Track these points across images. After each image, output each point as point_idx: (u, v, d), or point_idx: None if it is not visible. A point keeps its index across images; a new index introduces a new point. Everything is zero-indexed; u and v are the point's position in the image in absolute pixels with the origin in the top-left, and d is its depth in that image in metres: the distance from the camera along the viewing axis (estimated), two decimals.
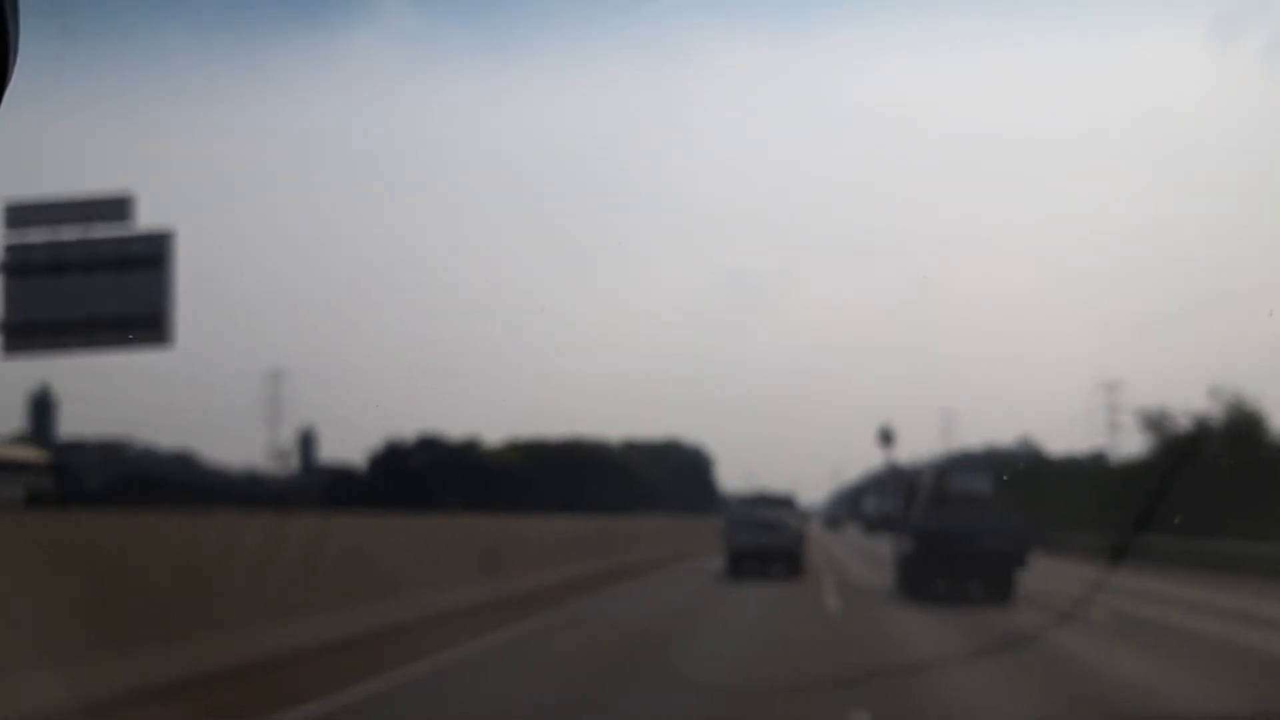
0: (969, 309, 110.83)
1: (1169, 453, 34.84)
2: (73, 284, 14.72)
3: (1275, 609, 17.59)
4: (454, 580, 14.11)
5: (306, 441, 70.62)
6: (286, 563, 9.78)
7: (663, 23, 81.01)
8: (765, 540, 23.20)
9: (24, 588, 6.69)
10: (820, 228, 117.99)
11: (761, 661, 10.94)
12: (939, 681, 9.39)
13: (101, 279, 14.76)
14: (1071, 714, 8.28)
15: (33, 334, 15.04)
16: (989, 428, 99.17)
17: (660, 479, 74.73)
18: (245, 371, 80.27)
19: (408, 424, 68.57)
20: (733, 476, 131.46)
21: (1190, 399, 38.16)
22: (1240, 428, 33.43)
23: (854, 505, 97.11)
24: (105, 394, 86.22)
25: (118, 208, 15.13)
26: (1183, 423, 36.32)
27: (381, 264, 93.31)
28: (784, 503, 25.00)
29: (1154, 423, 37.22)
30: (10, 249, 15.26)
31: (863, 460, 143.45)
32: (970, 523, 18.01)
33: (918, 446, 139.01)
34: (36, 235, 15.23)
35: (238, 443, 74.50)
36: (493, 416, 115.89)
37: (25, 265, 15.11)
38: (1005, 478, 25.43)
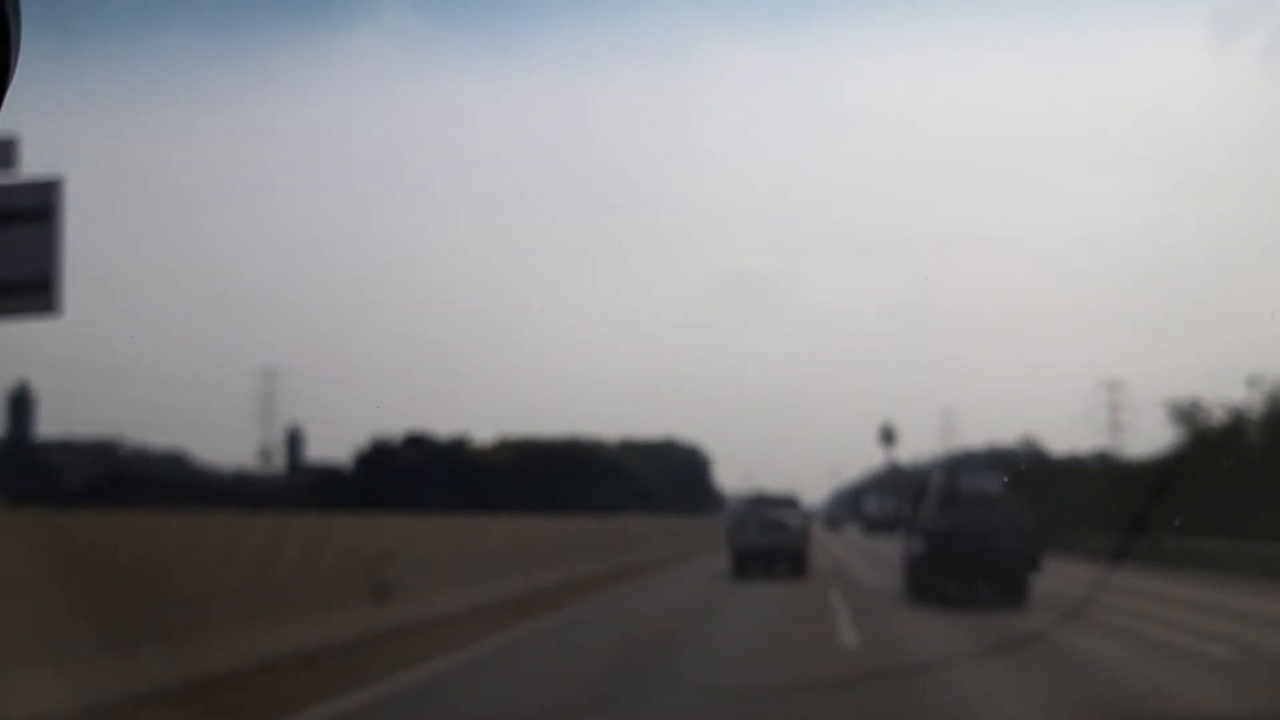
0: (969, 308, 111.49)
1: (1201, 446, 33.93)
2: None
3: None
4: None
5: (294, 440, 70.27)
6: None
7: (662, 23, 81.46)
8: (770, 540, 23.79)
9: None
10: (820, 227, 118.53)
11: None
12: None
13: None
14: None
15: None
16: (989, 427, 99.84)
17: (657, 479, 74.52)
18: (240, 370, 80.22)
19: (403, 423, 68.46)
20: (731, 476, 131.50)
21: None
22: None
23: (854, 505, 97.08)
24: (97, 393, 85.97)
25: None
26: (1218, 414, 35.18)
27: (378, 263, 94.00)
28: (788, 503, 25.52)
29: (1185, 414, 35.57)
30: None
31: (862, 460, 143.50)
32: (982, 523, 17.78)
33: (918, 446, 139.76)
34: None
35: (231, 442, 74.46)
36: (490, 416, 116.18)
37: None
38: (1005, 479, 25.10)
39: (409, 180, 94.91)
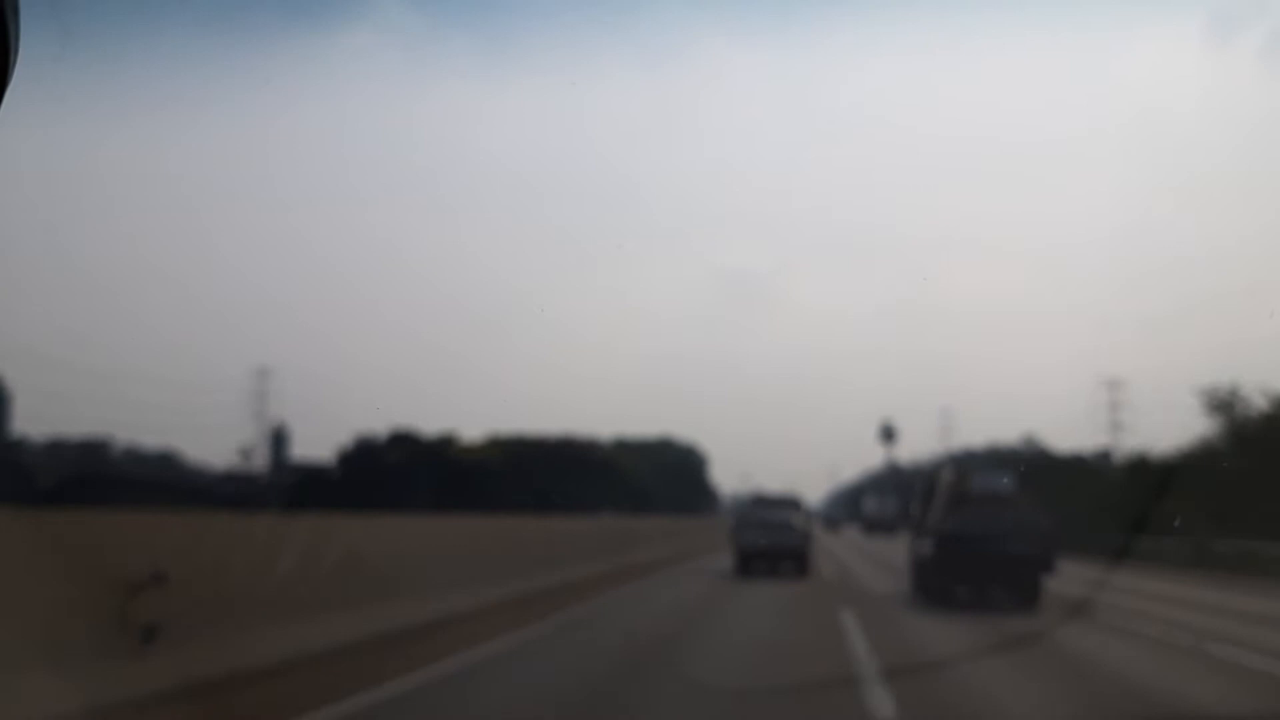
0: (966, 308, 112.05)
1: (1238, 438, 32.78)
2: None
3: None
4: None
5: (278, 439, 69.74)
6: None
7: (660, 23, 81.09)
8: (773, 540, 24.64)
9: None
10: (818, 227, 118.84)
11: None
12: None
13: None
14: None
15: None
16: (987, 427, 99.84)
17: (652, 478, 74.13)
18: (233, 368, 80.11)
19: (398, 422, 68.41)
20: (728, 476, 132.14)
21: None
22: None
23: (853, 506, 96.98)
24: (89, 392, 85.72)
25: None
26: (1259, 403, 33.76)
27: (372, 262, 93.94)
28: (791, 504, 26.37)
29: (1223, 404, 34.19)
30: None
31: (860, 460, 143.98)
32: (993, 524, 17.35)
33: (916, 446, 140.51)
34: None
35: (223, 441, 74.51)
36: (488, 415, 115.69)
37: None
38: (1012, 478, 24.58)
39: (403, 179, 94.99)
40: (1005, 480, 19.21)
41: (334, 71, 71.58)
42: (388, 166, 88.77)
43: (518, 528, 22.62)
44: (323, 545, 10.43)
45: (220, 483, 58.70)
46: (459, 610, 12.91)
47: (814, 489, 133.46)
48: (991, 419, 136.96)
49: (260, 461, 67.81)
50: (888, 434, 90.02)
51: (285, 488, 59.35)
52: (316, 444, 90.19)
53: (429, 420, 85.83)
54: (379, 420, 74.11)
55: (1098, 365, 75.75)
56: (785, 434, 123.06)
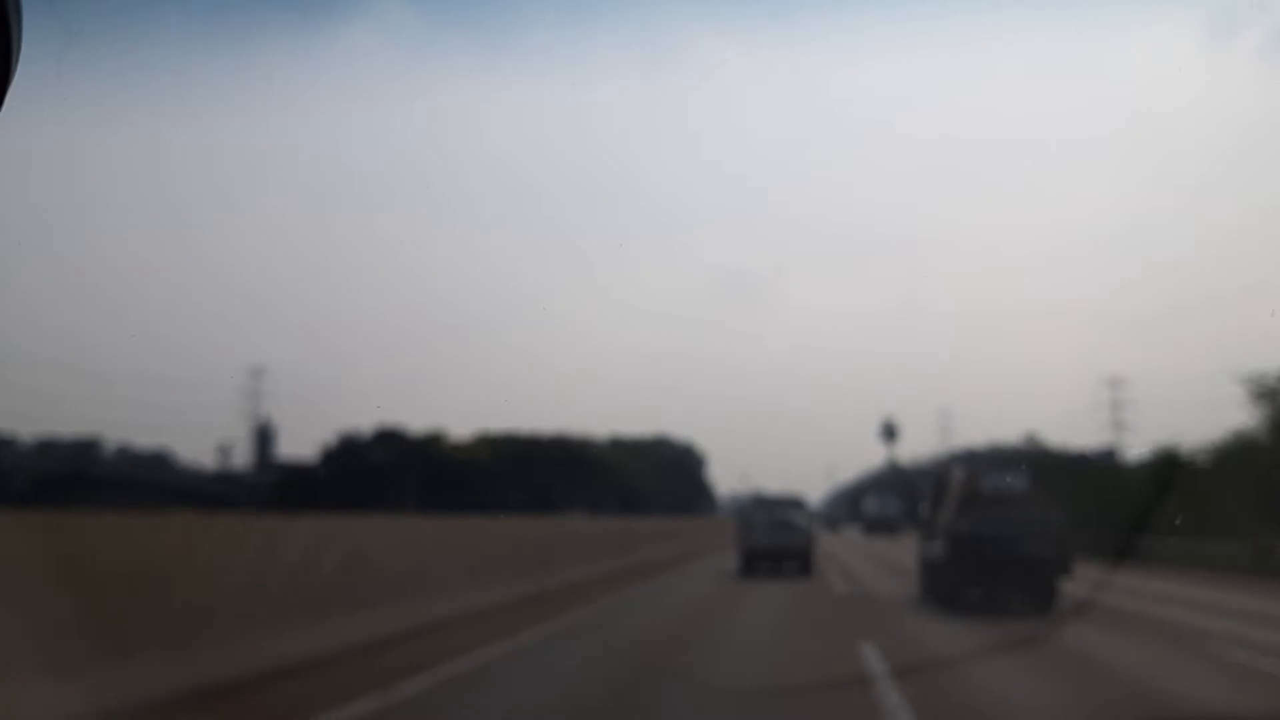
0: (964, 308, 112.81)
1: None
2: None
3: None
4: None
5: (264, 437, 69.24)
6: None
7: (657, 23, 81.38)
8: (778, 540, 25.47)
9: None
10: (816, 227, 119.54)
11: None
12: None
13: None
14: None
15: None
16: (985, 426, 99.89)
17: (648, 477, 73.71)
18: (226, 367, 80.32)
19: (394, 421, 68.42)
20: (726, 476, 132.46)
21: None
22: None
23: (852, 506, 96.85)
24: (81, 392, 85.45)
25: None
26: None
27: (370, 262, 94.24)
28: (795, 504, 27.02)
29: (1268, 392, 32.70)
30: None
31: (859, 460, 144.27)
32: (1007, 524, 16.85)
33: (915, 445, 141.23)
34: None
35: (213, 441, 74.51)
36: (486, 415, 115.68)
37: None
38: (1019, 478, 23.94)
39: (399, 178, 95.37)
40: (1019, 479, 18.66)
41: (330, 70, 72.10)
42: (384, 166, 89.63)
43: (498, 529, 22.01)
44: (279, 548, 9.81)
45: (207, 483, 58.77)
46: (427, 623, 12.37)
47: (813, 489, 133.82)
48: (990, 419, 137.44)
49: (244, 460, 67.65)
50: (889, 432, 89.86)
51: (266, 487, 58.94)
52: (310, 443, 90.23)
53: (429, 420, 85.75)
54: (364, 417, 73.96)
55: (1097, 365, 76.35)
56: (784, 434, 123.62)
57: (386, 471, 58.38)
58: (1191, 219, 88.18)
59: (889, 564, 30.93)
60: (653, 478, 74.24)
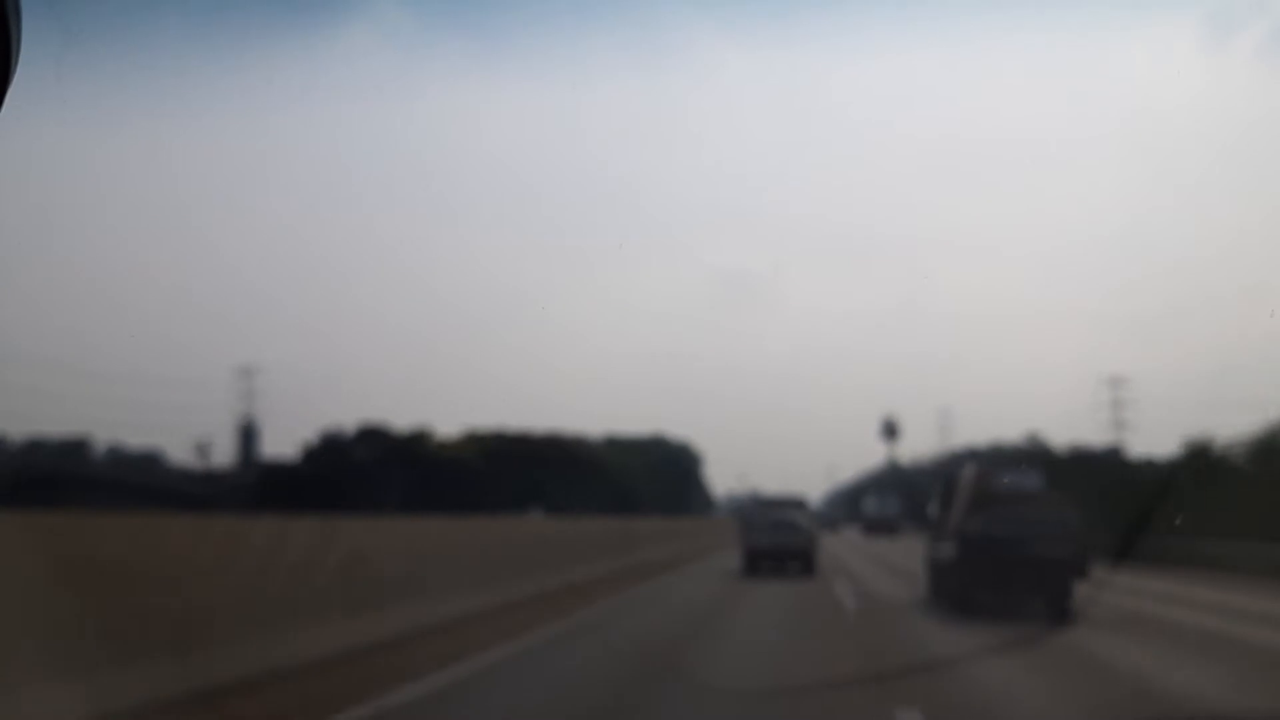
0: (963, 308, 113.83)
1: None
2: None
3: None
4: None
5: (247, 435, 69.01)
6: None
7: (655, 23, 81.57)
8: (780, 540, 26.06)
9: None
10: (817, 227, 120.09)
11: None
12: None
13: None
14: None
15: None
16: (985, 426, 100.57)
17: (643, 477, 73.59)
18: (218, 366, 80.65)
19: (383, 419, 68.67)
20: (724, 476, 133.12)
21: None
22: None
23: (852, 506, 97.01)
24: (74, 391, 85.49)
25: None
26: None
27: (367, 262, 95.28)
28: (797, 505, 27.87)
29: None
30: None
31: (858, 460, 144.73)
32: (1022, 525, 16.72)
33: (915, 445, 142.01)
34: None
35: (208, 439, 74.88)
36: (487, 415, 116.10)
37: None
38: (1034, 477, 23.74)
39: (397, 178, 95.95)
40: (1033, 477, 18.57)
41: (329, 70, 72.39)
42: (384, 167, 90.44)
43: (498, 529, 21.88)
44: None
45: (186, 482, 58.74)
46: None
47: (811, 489, 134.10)
48: (991, 419, 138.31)
49: (225, 458, 67.54)
50: (889, 430, 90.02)
51: (247, 487, 58.71)
52: (298, 441, 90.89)
53: (426, 420, 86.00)
54: (347, 415, 73.96)
55: (1097, 364, 77.22)
56: (783, 434, 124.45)
57: (369, 470, 58.18)
58: (1191, 219, 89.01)
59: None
60: (646, 477, 74.14)
